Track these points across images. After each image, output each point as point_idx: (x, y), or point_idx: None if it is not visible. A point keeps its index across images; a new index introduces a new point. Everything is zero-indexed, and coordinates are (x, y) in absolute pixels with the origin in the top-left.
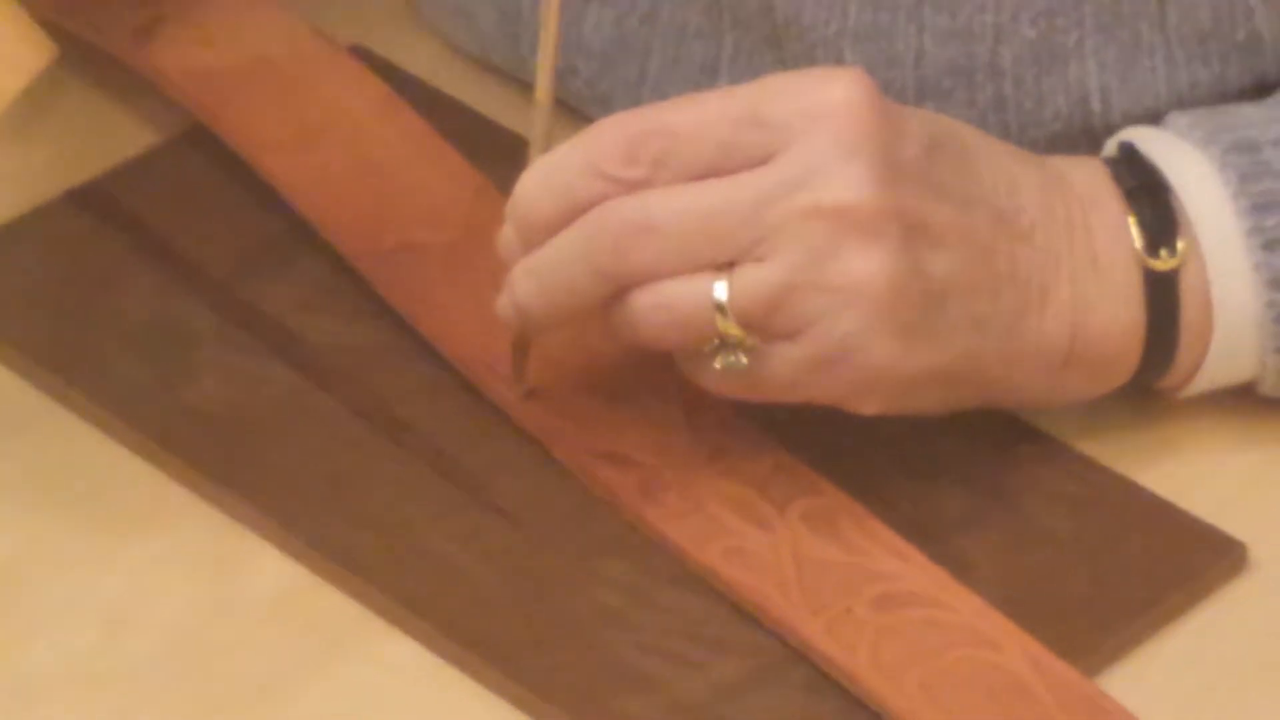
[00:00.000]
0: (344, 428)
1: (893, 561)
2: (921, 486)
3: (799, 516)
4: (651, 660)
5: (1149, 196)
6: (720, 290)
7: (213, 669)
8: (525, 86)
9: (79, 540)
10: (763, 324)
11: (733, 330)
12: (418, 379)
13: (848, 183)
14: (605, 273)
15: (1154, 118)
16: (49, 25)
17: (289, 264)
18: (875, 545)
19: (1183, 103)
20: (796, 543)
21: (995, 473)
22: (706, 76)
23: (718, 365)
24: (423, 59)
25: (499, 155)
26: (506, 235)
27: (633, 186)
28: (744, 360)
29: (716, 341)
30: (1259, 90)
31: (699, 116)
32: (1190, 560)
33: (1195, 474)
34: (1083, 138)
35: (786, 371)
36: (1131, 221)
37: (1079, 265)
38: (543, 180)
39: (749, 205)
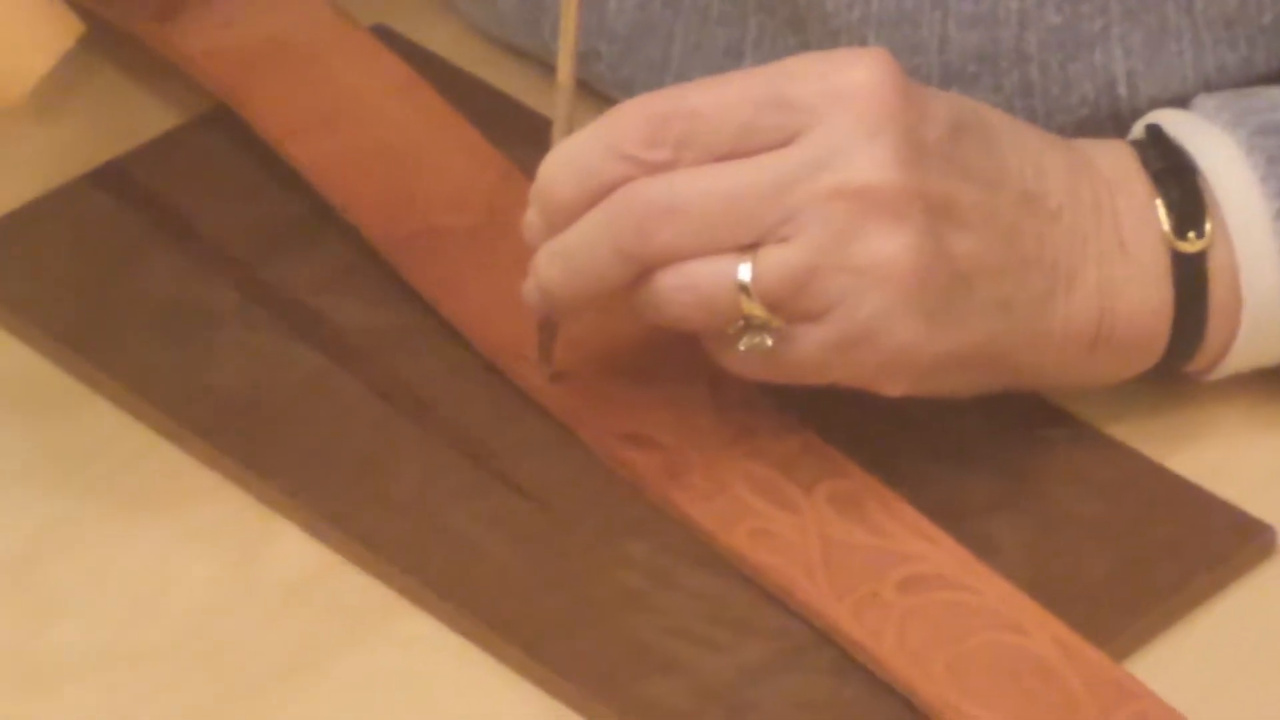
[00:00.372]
0: (367, 409)
1: (919, 544)
2: (948, 469)
3: (825, 498)
4: (676, 642)
5: (1176, 179)
6: (744, 271)
7: (236, 650)
8: (548, 68)
9: (101, 521)
10: (787, 305)
11: (757, 311)
12: (442, 360)
13: (871, 164)
14: (629, 254)
15: (1181, 102)
16: (73, 3)
17: (312, 244)
18: (901, 528)
19: (1210, 86)
20: (823, 525)
21: (1022, 456)
22: (730, 60)
23: (742, 347)
24: (445, 38)
25: (523, 137)
26: (531, 218)
27: (656, 168)
28: (768, 341)
29: (741, 323)
30: None
31: (722, 98)
32: (1219, 544)
33: (1224, 457)
34: (1110, 123)
35: (811, 353)
36: (1159, 204)
37: (1106, 248)
38: (566, 163)
39: (772, 186)
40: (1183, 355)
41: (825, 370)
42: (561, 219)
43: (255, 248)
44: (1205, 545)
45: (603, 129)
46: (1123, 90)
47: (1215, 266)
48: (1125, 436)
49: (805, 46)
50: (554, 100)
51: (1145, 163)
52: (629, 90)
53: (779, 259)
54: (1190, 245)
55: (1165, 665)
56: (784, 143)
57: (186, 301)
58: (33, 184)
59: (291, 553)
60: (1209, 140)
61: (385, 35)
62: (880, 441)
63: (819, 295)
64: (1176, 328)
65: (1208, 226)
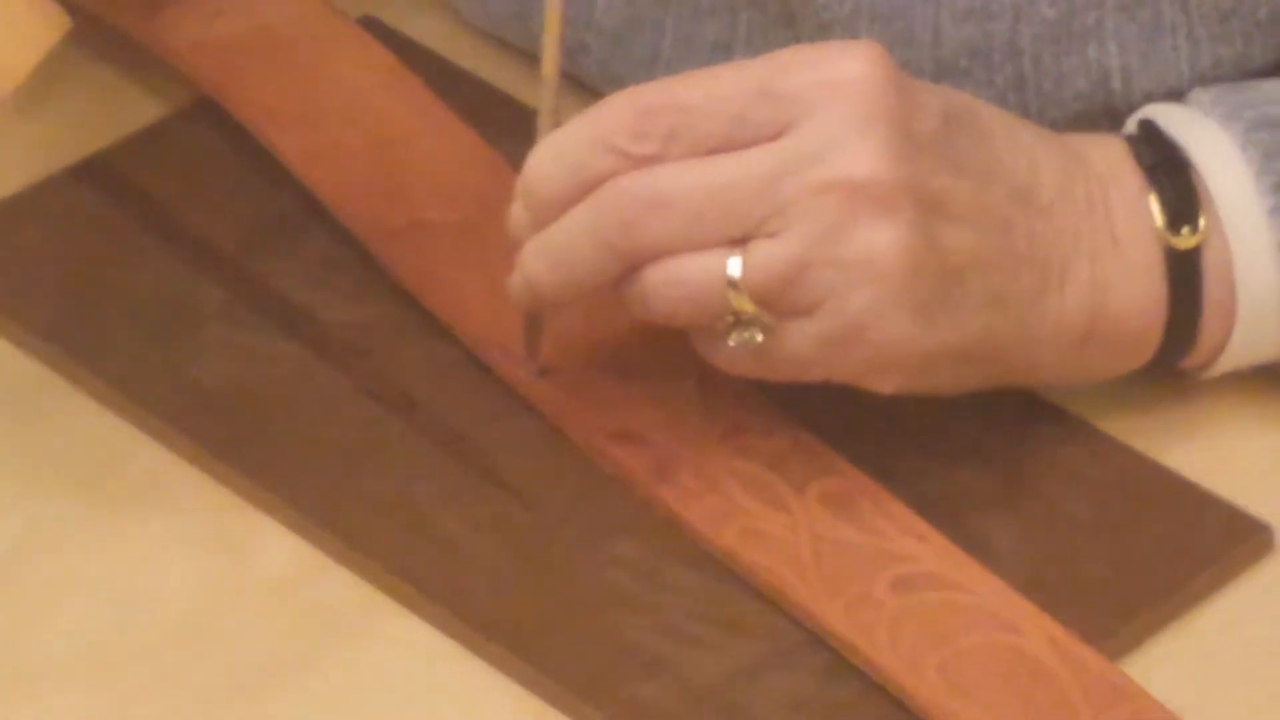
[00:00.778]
0: (353, 406)
1: (912, 543)
2: (941, 467)
3: (817, 497)
4: (664, 643)
5: (1169, 174)
6: (733, 266)
7: (220, 650)
8: (538, 60)
9: (85, 520)
10: (776, 300)
11: (746, 307)
12: (429, 357)
13: (862, 157)
14: (616, 249)
15: (1176, 98)
16: None
17: (299, 239)
18: (894, 526)
19: (1205, 82)
20: (814, 524)
21: (1017, 453)
22: (720, 55)
23: (731, 342)
24: (434, 30)
25: (513, 129)
26: (516, 212)
27: (644, 162)
28: (758, 337)
29: (730, 318)
30: None
31: (711, 90)
32: (1215, 542)
33: (1221, 455)
34: (1104, 118)
35: (801, 349)
36: (1152, 199)
37: (1099, 243)
38: (553, 156)
39: (762, 180)
40: (1177, 352)
41: (815, 366)
42: (548, 213)
43: (241, 243)
44: (1201, 544)
45: (590, 122)
46: (1117, 85)
47: (1209, 263)
48: (1120, 433)
49: (796, 40)
50: (539, 93)
51: (1138, 157)
52: (618, 85)
53: (768, 253)
54: (1184, 241)
55: (1161, 665)
56: (774, 136)
57: (171, 298)
58: (15, 178)
59: (276, 552)
60: (1204, 134)
61: (373, 27)
62: (872, 439)
63: (809, 290)
64: (1170, 324)
65: (1201, 222)
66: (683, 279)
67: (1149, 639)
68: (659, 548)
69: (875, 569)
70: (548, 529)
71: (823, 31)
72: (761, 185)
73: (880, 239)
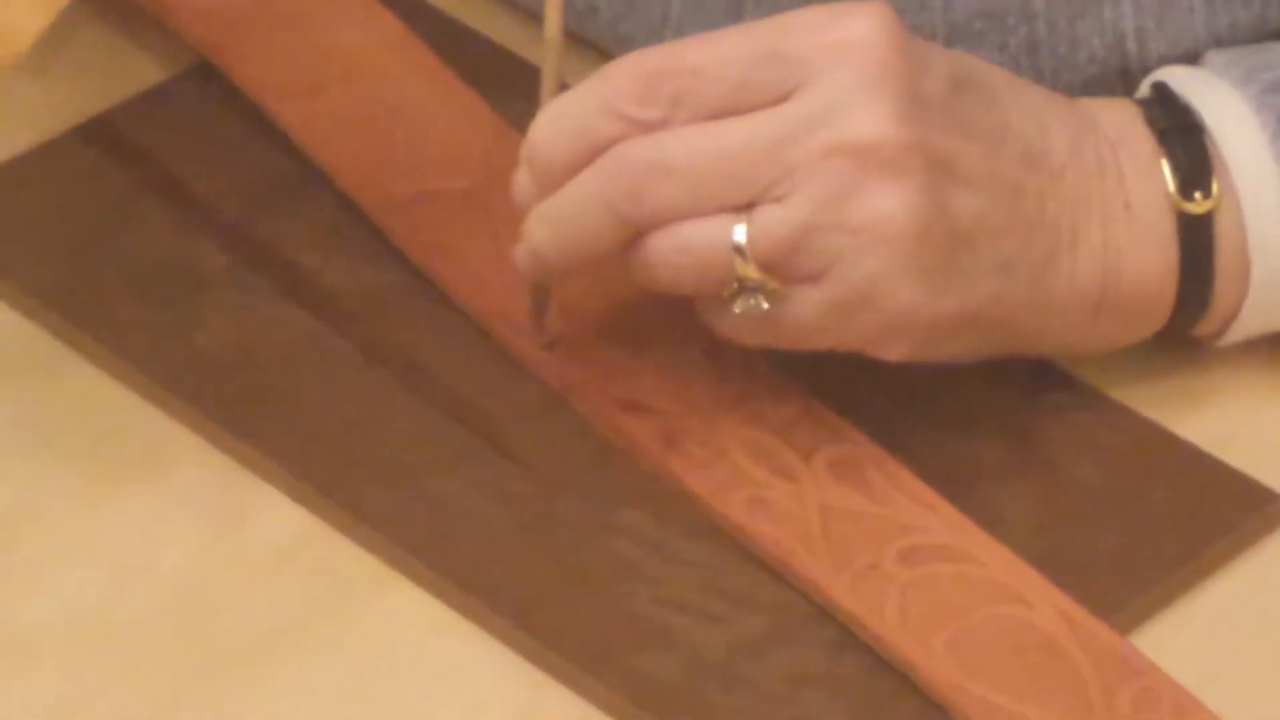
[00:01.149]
0: (358, 372)
1: (921, 513)
2: (951, 435)
3: (825, 466)
4: (669, 614)
5: (1182, 138)
6: (739, 233)
7: (219, 620)
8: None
9: (83, 487)
10: (783, 266)
11: (752, 274)
12: (434, 322)
13: (870, 118)
14: (622, 216)
15: (1192, 60)
16: None
17: (303, 202)
18: (903, 496)
19: (1222, 44)
20: (822, 493)
21: (1027, 421)
22: (730, 17)
23: (737, 309)
24: None
25: (522, 91)
26: (520, 180)
27: (649, 127)
28: (764, 304)
29: (735, 285)
30: None
31: (717, 53)
32: (1227, 513)
33: (1233, 424)
34: (1119, 82)
35: (808, 315)
36: (1164, 163)
37: (1111, 208)
38: (557, 122)
39: (768, 144)
40: (1189, 319)
41: (823, 334)
42: (552, 180)
43: (245, 205)
44: (1214, 514)
45: (594, 87)
46: (1132, 47)
47: (1222, 228)
48: (1132, 402)
49: (807, 2)
50: (543, 55)
51: (1150, 121)
52: (627, 46)
53: (775, 219)
54: (1196, 206)
55: (1172, 638)
56: (780, 99)
57: (174, 261)
58: (19, 139)
59: (277, 520)
60: (1218, 97)
61: None
62: (881, 407)
63: (816, 255)
64: (1182, 290)
65: (1214, 187)
66: (688, 246)
67: (1160, 611)
68: (665, 518)
69: (884, 540)
70: (552, 498)
71: None
72: (767, 149)
73: (888, 202)
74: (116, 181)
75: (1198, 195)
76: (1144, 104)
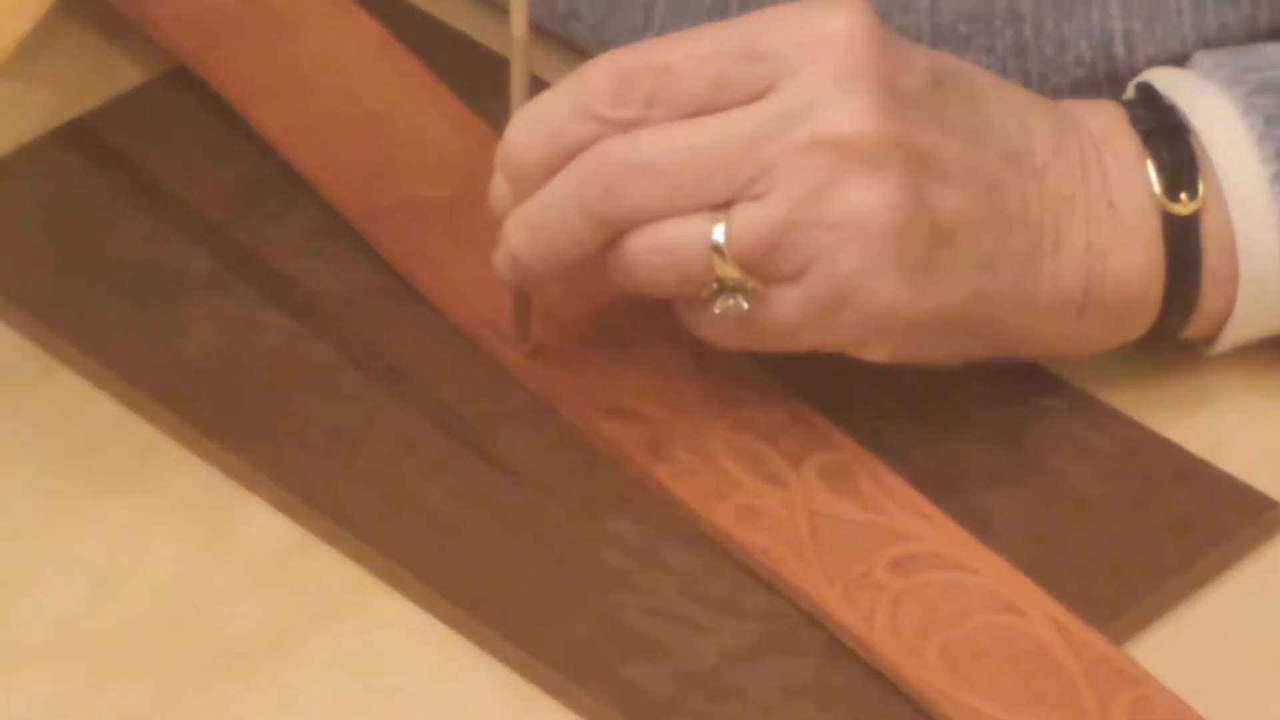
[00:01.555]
0: (341, 378)
1: (912, 520)
2: (943, 441)
3: (815, 472)
4: (657, 624)
5: (1167, 138)
6: (718, 232)
7: (203, 630)
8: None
9: (65, 496)
10: (762, 265)
11: (731, 273)
12: (418, 327)
13: (848, 113)
14: (599, 217)
15: (1180, 63)
16: None
17: (286, 206)
18: (894, 502)
19: (1210, 47)
20: (812, 500)
21: (1020, 427)
22: (715, 18)
23: (716, 310)
24: None
25: (504, 92)
26: (497, 185)
27: (625, 127)
28: (744, 304)
29: (715, 285)
30: None
31: (692, 51)
32: (1223, 520)
33: (1229, 430)
34: (1107, 84)
35: (789, 315)
36: (1149, 164)
37: (1094, 208)
38: (531, 125)
39: (745, 141)
40: (1177, 321)
41: (804, 333)
42: (528, 184)
43: (227, 209)
44: (1209, 522)
45: (569, 88)
46: (1120, 50)
47: (1209, 229)
48: (1126, 406)
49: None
50: (511, 54)
51: (1135, 122)
52: (611, 49)
53: (753, 217)
54: (1182, 207)
55: (1168, 647)
56: (757, 96)
57: (155, 266)
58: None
59: (261, 529)
60: (1205, 99)
61: None
62: (872, 412)
63: (795, 253)
64: (1168, 292)
65: (1200, 188)
66: (666, 246)
67: (1155, 620)
68: (653, 526)
69: (875, 548)
70: (538, 506)
71: None
72: (744, 146)
73: (868, 197)
74: (96, 185)
75: (1184, 196)
76: (1129, 105)
